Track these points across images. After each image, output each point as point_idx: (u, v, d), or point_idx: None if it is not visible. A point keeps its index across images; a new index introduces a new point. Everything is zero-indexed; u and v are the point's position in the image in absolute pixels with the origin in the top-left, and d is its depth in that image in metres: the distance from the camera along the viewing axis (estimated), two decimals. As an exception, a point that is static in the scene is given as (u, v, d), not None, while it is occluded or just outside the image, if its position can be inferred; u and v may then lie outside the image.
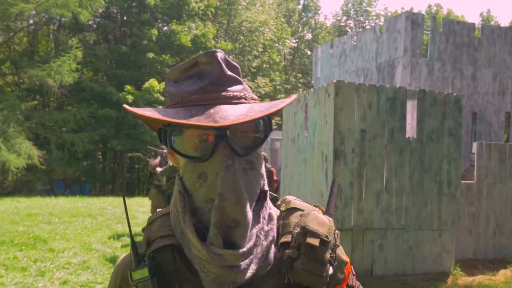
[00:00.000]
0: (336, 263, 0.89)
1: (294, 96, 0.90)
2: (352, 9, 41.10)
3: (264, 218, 0.87)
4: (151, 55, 24.56)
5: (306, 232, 0.86)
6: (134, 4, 25.44)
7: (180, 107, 0.84)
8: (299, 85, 37.15)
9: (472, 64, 14.10)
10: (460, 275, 6.22)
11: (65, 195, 18.62)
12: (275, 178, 9.06)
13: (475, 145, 7.65)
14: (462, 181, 7.09)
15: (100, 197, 17.60)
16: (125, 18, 26.32)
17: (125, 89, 21.98)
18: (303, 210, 0.92)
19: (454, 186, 6.52)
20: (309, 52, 38.37)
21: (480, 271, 6.53)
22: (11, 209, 11.42)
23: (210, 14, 29.39)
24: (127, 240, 7.93)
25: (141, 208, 12.63)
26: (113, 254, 6.81)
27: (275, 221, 0.90)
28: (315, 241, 0.85)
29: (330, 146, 5.91)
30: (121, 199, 16.86)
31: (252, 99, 0.87)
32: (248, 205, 0.81)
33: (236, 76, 0.87)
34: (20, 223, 9.27)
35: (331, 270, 0.87)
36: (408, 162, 6.26)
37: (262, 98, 30.46)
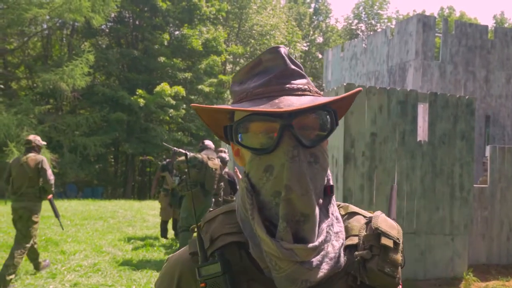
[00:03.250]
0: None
1: (358, 88, 0.89)
2: (364, 12, 40.98)
3: (332, 214, 0.86)
4: (162, 59, 24.71)
5: (379, 233, 0.86)
6: (146, 8, 25.65)
7: (245, 101, 0.84)
8: (310, 88, 37.07)
9: (485, 67, 13.95)
10: (473, 280, 6.13)
11: (77, 198, 18.79)
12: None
13: (488, 149, 7.55)
14: (474, 185, 7.00)
15: (112, 200, 17.72)
16: (137, 22, 26.55)
17: (137, 93, 22.13)
18: (362, 215, 0.93)
19: (466, 190, 6.44)
20: (320, 56, 38.31)
21: (493, 277, 6.43)
22: (24, 212, 11.53)
23: (221, 18, 29.51)
24: (138, 242, 7.96)
25: (152, 212, 12.68)
26: (124, 256, 6.84)
27: (342, 223, 0.89)
28: (389, 242, 0.86)
29: (340, 150, 5.88)
30: (132, 202, 16.95)
31: (317, 92, 0.87)
32: (314, 198, 0.80)
33: (299, 70, 0.88)
34: (33, 225, 9.36)
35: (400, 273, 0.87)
36: (420, 165, 6.20)
37: (273, 101, 30.44)
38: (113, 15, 24.97)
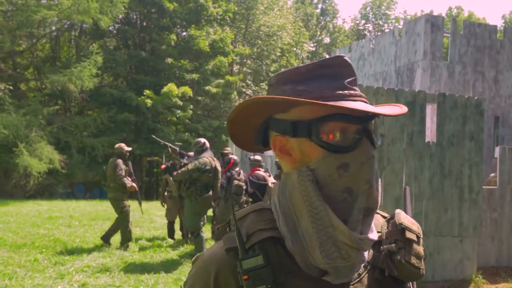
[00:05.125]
0: None
1: (405, 110, 0.94)
2: (371, 13, 40.83)
3: None
4: (169, 60, 24.76)
5: (403, 228, 0.93)
6: (153, 10, 25.74)
7: (332, 100, 0.86)
8: (317, 89, 36.97)
9: (494, 67, 13.84)
10: (482, 283, 6.08)
11: (85, 199, 18.90)
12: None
13: (497, 150, 7.48)
14: (484, 187, 6.94)
15: (119, 201, 17.75)
16: (144, 23, 26.64)
17: (144, 94, 22.20)
18: (380, 214, 1.00)
19: (475, 192, 6.39)
20: (327, 56, 38.22)
21: (503, 279, 6.38)
22: (33, 212, 11.63)
23: (228, 19, 29.54)
24: (145, 243, 7.99)
25: (159, 212, 12.71)
26: (131, 257, 6.86)
27: None
28: (413, 236, 0.93)
29: (348, 151, 5.85)
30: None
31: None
32: None
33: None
34: (41, 226, 9.43)
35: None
36: (428, 167, 6.16)
37: (280, 102, 30.38)
38: (120, 16, 25.07)
